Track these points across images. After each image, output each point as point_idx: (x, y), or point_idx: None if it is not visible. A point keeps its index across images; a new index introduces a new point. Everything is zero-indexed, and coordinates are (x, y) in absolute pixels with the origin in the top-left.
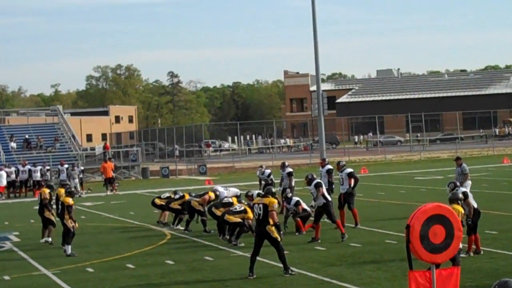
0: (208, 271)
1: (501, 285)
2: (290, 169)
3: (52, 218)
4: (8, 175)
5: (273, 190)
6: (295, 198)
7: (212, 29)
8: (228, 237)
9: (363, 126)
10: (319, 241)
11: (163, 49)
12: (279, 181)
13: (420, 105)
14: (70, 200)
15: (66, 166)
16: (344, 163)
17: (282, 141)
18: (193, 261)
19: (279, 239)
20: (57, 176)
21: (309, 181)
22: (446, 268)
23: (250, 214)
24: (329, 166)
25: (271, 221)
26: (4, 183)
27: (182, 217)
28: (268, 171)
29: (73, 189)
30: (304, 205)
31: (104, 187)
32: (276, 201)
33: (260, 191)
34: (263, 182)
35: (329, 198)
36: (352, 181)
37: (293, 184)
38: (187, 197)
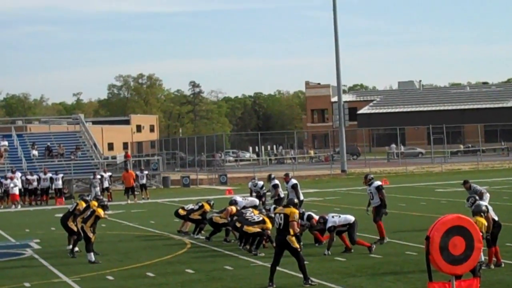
0: (228, 280)
1: None
2: (294, 181)
3: (75, 228)
4: (30, 183)
5: (295, 201)
6: (307, 213)
7: (234, 39)
8: (248, 246)
9: (384, 138)
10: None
11: (185, 58)
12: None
13: (441, 117)
14: (102, 213)
15: (49, 175)
16: (372, 176)
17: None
18: (213, 270)
19: (299, 249)
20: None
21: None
22: (465, 280)
23: (269, 224)
24: (294, 181)
25: (291, 231)
26: (17, 191)
27: (203, 226)
28: (260, 183)
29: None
30: (317, 217)
31: (125, 195)
32: (297, 211)
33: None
34: (254, 194)
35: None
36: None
37: (301, 197)
38: (206, 207)
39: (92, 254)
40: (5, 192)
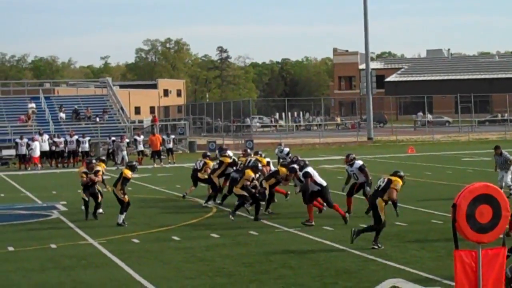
0: (253, 245)
1: None
2: (360, 162)
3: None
4: (57, 145)
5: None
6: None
7: (263, 5)
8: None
9: (412, 106)
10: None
11: (212, 24)
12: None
13: (469, 86)
14: (129, 174)
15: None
16: (353, 156)
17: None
18: (238, 235)
19: (382, 217)
20: (105, 148)
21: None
22: (492, 248)
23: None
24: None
25: (385, 196)
26: (38, 153)
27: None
28: (287, 149)
29: (120, 161)
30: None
31: (151, 159)
32: (401, 182)
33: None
34: (281, 160)
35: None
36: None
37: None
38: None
39: (122, 216)
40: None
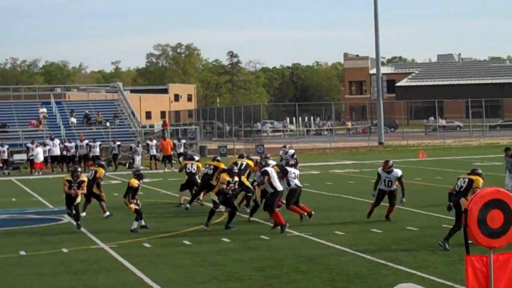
0: (264, 249)
1: None
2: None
3: (98, 193)
4: (68, 150)
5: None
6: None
7: (273, 10)
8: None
9: (422, 111)
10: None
11: (223, 28)
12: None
13: (480, 91)
14: (135, 183)
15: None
16: (392, 162)
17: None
18: (249, 239)
19: None
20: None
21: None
22: (503, 253)
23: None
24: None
25: (468, 196)
26: (41, 159)
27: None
28: (292, 151)
29: (135, 165)
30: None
31: (162, 164)
32: (482, 180)
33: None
34: (284, 161)
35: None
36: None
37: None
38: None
39: (136, 223)
40: (44, 158)
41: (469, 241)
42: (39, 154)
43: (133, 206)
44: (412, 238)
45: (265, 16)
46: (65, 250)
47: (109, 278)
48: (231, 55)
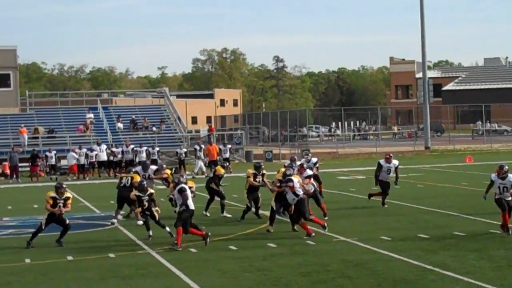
0: (310, 255)
1: None
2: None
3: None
4: (114, 155)
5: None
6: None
7: (318, 15)
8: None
9: (469, 115)
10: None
11: (269, 33)
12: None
13: None
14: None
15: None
16: (507, 168)
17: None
18: (295, 244)
19: None
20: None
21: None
22: None
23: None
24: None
25: None
26: (73, 163)
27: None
28: (314, 159)
29: (197, 170)
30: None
31: (208, 169)
32: None
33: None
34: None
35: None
36: None
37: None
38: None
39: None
40: (91, 164)
41: None
42: (71, 158)
43: (139, 209)
44: (459, 243)
45: (310, 20)
46: (112, 255)
47: (156, 283)
48: (277, 59)
